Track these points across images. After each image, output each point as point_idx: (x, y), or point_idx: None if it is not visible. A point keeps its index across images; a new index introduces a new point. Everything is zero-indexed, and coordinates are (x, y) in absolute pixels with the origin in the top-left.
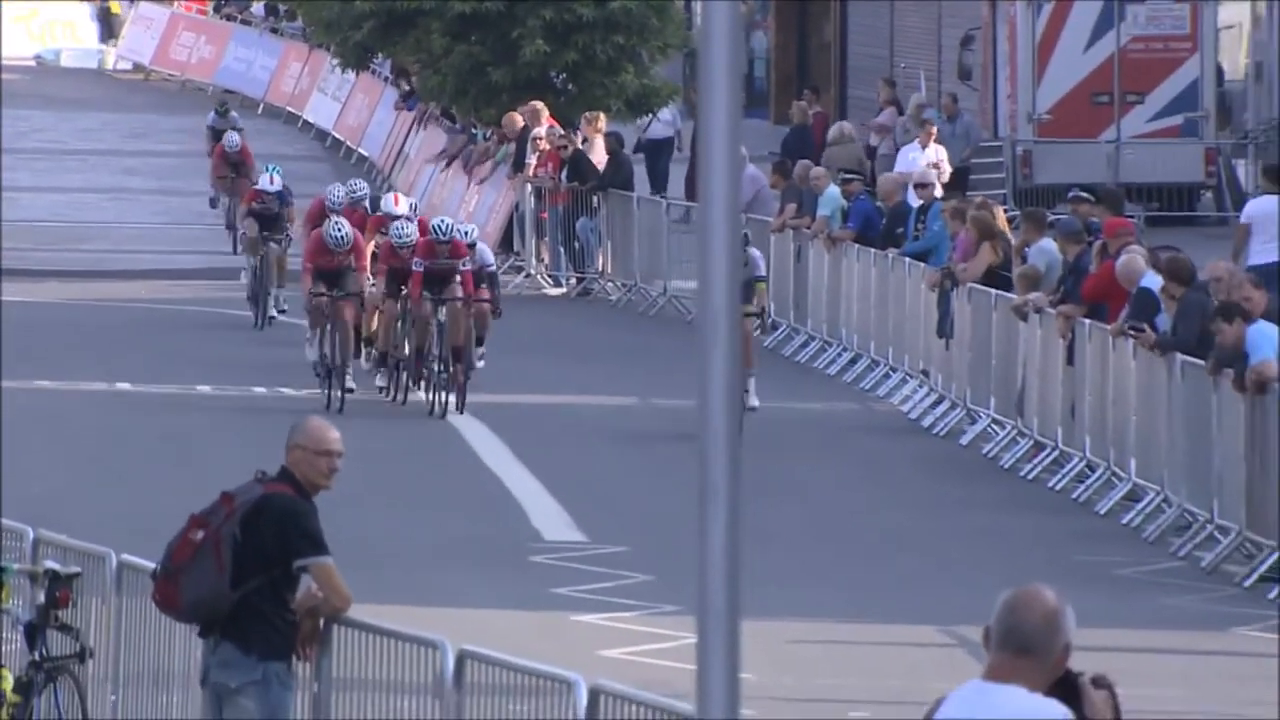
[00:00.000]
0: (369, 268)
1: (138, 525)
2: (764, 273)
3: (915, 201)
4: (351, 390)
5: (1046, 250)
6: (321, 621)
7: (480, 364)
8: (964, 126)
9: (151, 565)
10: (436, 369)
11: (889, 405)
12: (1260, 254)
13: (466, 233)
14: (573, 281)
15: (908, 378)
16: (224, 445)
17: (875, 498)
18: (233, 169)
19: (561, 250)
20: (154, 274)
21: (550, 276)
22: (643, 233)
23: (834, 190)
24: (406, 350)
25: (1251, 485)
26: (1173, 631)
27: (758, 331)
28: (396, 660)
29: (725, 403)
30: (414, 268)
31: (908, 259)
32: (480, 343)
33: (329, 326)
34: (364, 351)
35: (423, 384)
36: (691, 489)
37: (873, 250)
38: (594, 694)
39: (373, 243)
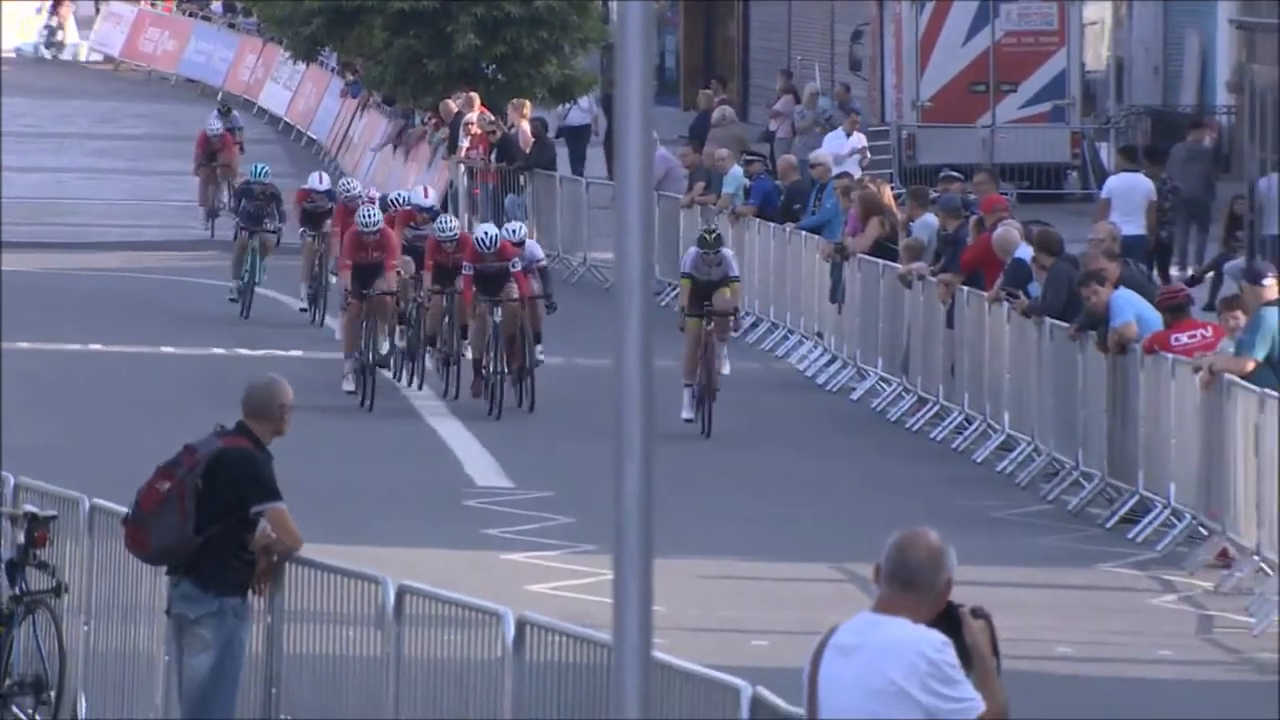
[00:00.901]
0: (397, 265)
1: (108, 472)
2: (737, 272)
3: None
4: (385, 365)
5: (929, 224)
6: (275, 559)
7: (541, 359)
8: (838, 110)
9: (120, 509)
10: (493, 369)
11: (787, 364)
12: (1119, 226)
13: (514, 231)
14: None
15: (804, 339)
16: (185, 400)
17: (775, 448)
18: (211, 157)
19: (492, 221)
20: (123, 245)
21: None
22: (564, 208)
23: (737, 170)
24: (455, 347)
25: (1113, 436)
26: (1043, 568)
27: (735, 332)
28: (342, 595)
29: (640, 363)
30: (464, 271)
31: (804, 232)
32: (538, 339)
33: (364, 325)
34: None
35: (484, 385)
36: (609, 439)
37: (772, 224)
38: (520, 625)
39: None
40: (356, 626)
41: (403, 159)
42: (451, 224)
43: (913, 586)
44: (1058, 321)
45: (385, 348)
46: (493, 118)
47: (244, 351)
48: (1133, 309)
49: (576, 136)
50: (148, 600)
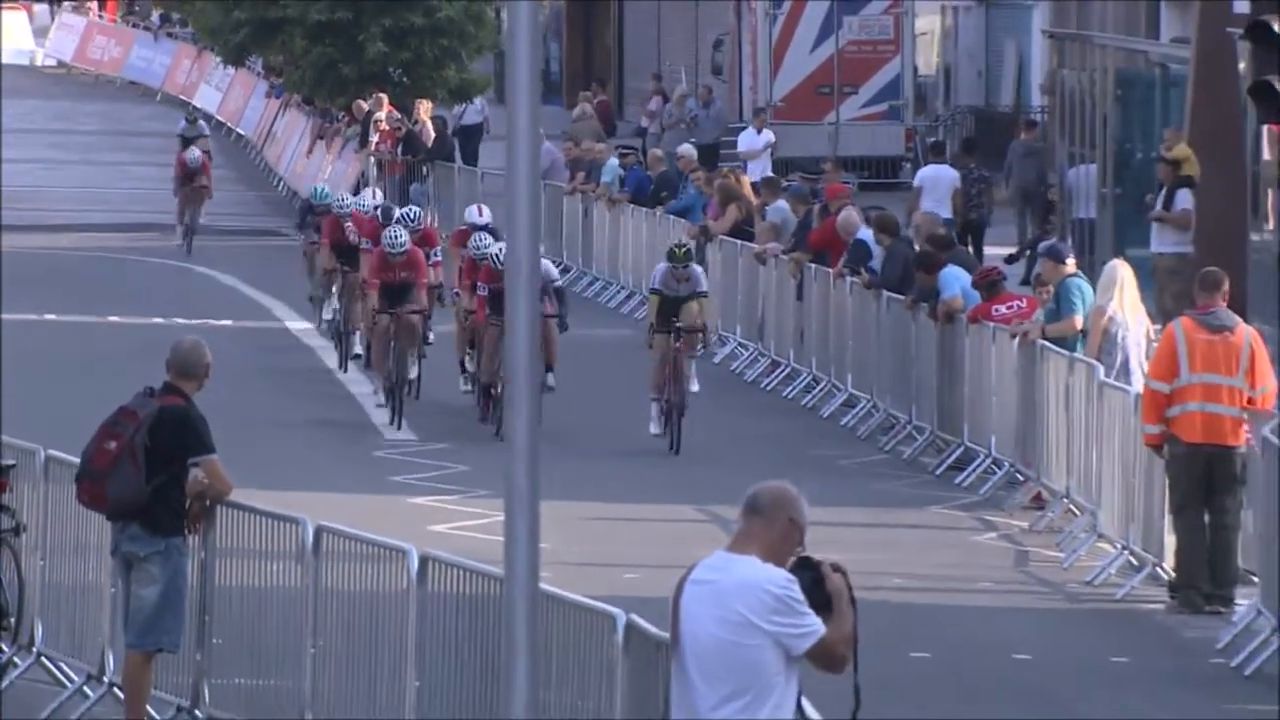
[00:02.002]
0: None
1: (61, 426)
2: (706, 287)
3: (759, 172)
4: (415, 391)
5: (781, 209)
6: (208, 503)
7: (551, 386)
8: (716, 112)
9: (71, 458)
10: (503, 391)
11: None
12: (931, 204)
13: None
14: None
15: None
16: (127, 363)
17: (645, 406)
18: (189, 178)
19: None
20: (74, 227)
21: None
22: (461, 195)
23: (613, 161)
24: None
25: (941, 394)
26: (881, 509)
27: (701, 349)
28: (267, 534)
29: (527, 329)
30: (478, 292)
31: (671, 216)
32: (549, 368)
33: (391, 344)
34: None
35: (492, 405)
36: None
37: (644, 209)
38: (424, 560)
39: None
40: (279, 561)
41: (321, 152)
42: (485, 240)
43: (758, 513)
44: (894, 294)
45: (413, 371)
46: (399, 115)
47: (180, 320)
48: (959, 284)
49: (470, 134)
50: (96, 540)
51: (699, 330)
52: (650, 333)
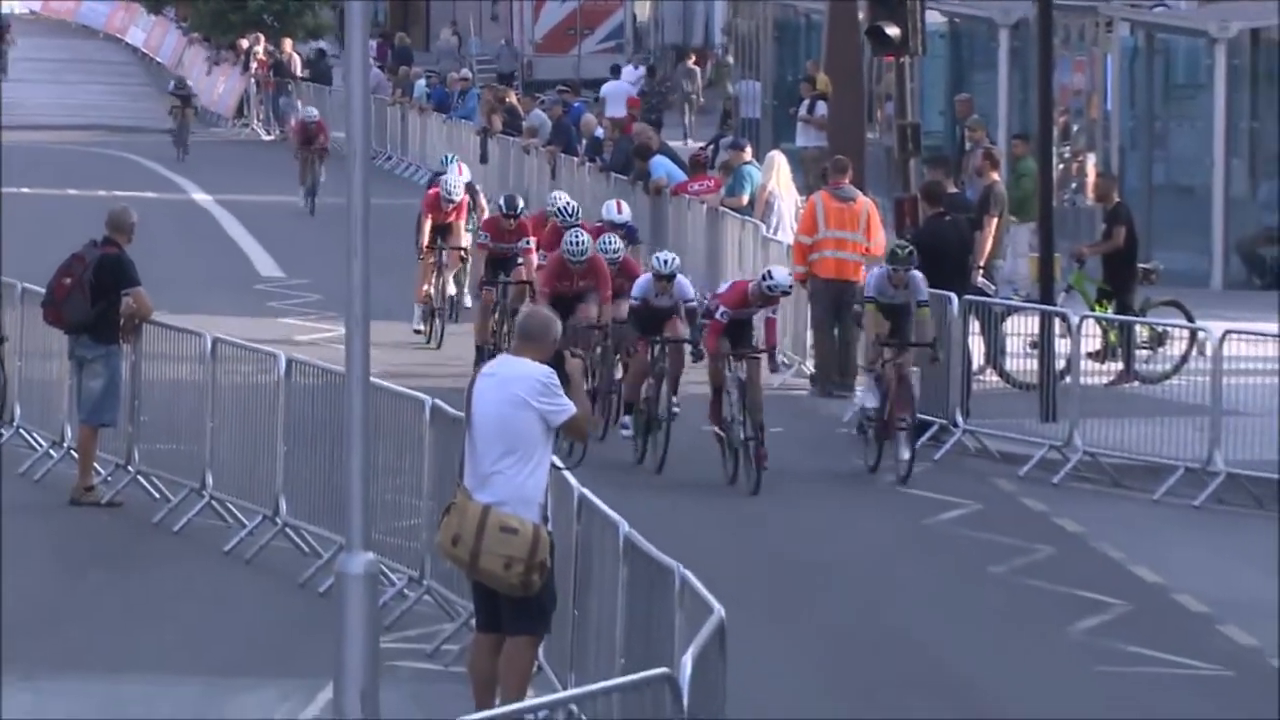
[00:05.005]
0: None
1: (32, 264)
2: (926, 296)
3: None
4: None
5: (539, 115)
6: (137, 322)
7: (677, 411)
8: (509, 51)
9: (39, 289)
10: (653, 414)
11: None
12: (611, 112)
13: (665, 263)
14: (276, 132)
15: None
16: (80, 223)
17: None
18: (308, 139)
19: (271, 114)
20: (43, 127)
21: (265, 129)
22: (318, 103)
23: (421, 82)
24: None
25: (652, 247)
26: None
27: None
28: (178, 344)
29: (360, 188)
30: (632, 300)
31: (464, 120)
32: (676, 388)
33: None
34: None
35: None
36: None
37: (443, 115)
38: (289, 362)
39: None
40: (187, 363)
41: (218, 75)
42: (582, 239)
43: (532, 339)
44: (619, 175)
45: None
46: (271, 49)
47: (119, 192)
48: (664, 168)
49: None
50: (57, 347)
51: (928, 345)
52: (872, 346)
